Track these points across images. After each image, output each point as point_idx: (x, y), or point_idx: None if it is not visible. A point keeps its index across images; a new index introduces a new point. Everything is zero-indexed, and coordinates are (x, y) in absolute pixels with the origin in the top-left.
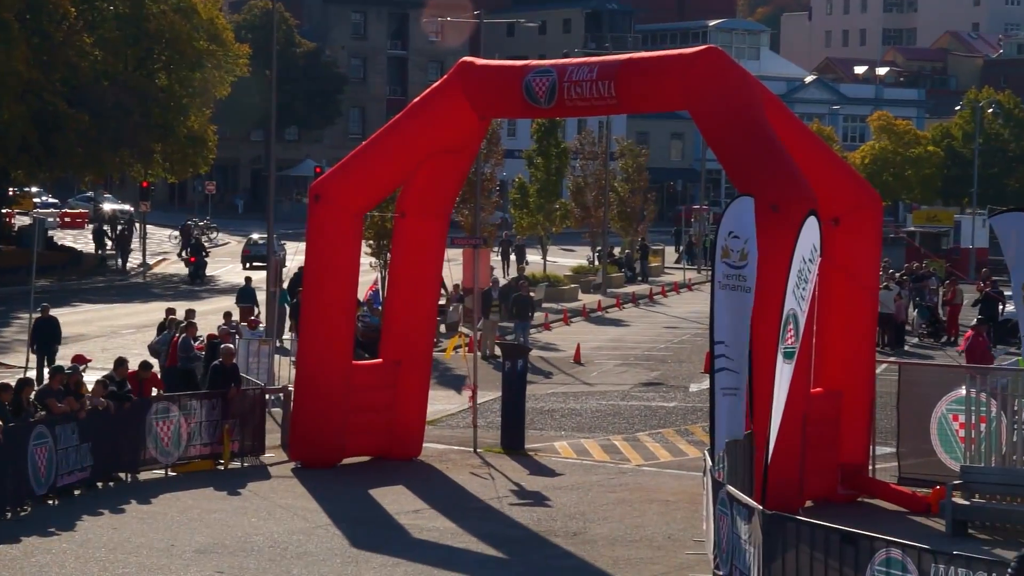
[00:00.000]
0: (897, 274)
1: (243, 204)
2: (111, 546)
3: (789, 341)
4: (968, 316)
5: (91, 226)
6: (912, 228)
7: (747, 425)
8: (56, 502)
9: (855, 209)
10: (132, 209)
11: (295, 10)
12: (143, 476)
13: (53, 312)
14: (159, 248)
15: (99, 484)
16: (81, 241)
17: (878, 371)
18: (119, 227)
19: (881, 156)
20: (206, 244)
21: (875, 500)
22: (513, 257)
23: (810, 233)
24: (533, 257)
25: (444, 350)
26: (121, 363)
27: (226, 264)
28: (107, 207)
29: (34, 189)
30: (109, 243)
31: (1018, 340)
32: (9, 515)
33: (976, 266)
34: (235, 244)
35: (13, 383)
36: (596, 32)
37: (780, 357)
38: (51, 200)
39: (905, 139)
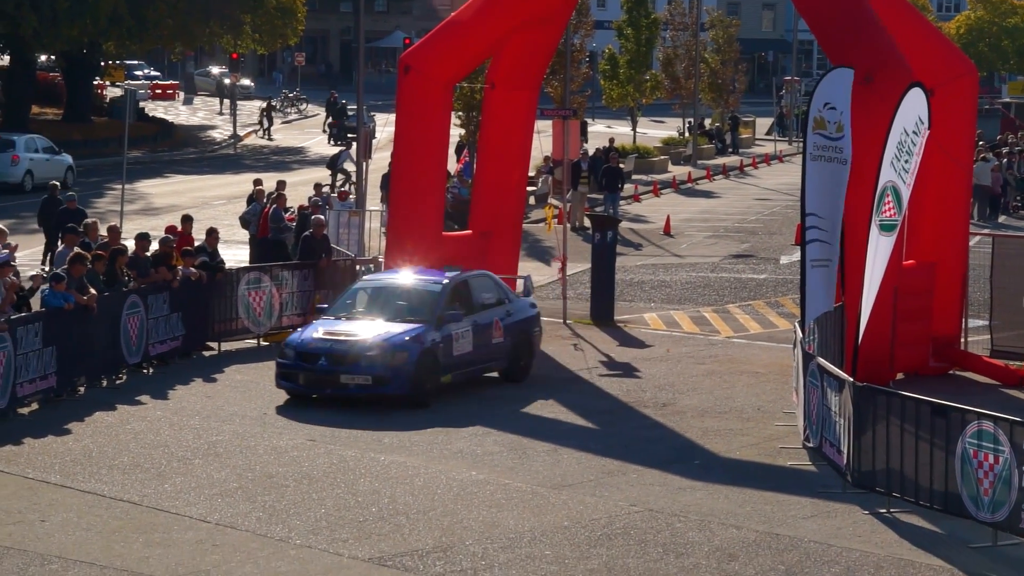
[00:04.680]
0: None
1: (283, 78)
2: (205, 414)
3: (887, 213)
4: None
5: (255, 103)
6: (1007, 99)
7: (838, 297)
8: (150, 371)
9: (950, 80)
10: (253, 84)
11: None
12: (235, 346)
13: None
14: (250, 119)
15: (192, 354)
16: (171, 112)
17: (972, 243)
18: (268, 100)
19: (977, 26)
20: (295, 115)
21: (967, 373)
22: None
23: (915, 105)
24: (622, 129)
25: (535, 221)
26: (212, 233)
27: (315, 136)
28: (225, 80)
29: (135, 62)
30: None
31: None
32: (104, 383)
33: None
34: (323, 115)
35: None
36: None
37: (876, 229)
38: (153, 73)
39: (1001, 8)
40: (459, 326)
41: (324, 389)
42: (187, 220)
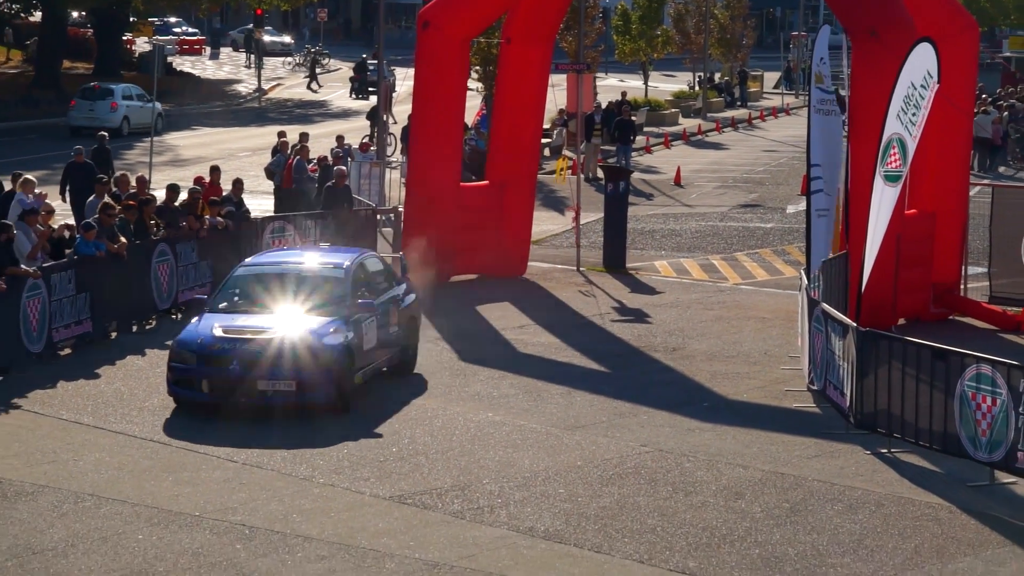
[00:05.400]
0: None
1: (308, 33)
2: None
3: (892, 164)
4: None
5: (293, 59)
6: (1008, 53)
7: (841, 245)
8: (179, 316)
9: (951, 34)
10: (292, 41)
11: None
12: None
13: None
14: (273, 74)
15: None
16: (198, 67)
17: (972, 193)
18: (312, 54)
19: None
20: (318, 71)
21: (966, 318)
22: None
23: (924, 60)
24: (635, 83)
25: (550, 172)
26: (237, 183)
27: (337, 89)
28: (266, 39)
29: (173, 19)
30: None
31: None
32: (135, 328)
33: None
34: (346, 70)
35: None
36: None
37: (880, 179)
38: (191, 30)
39: None
40: (367, 316)
41: (237, 398)
42: (215, 171)
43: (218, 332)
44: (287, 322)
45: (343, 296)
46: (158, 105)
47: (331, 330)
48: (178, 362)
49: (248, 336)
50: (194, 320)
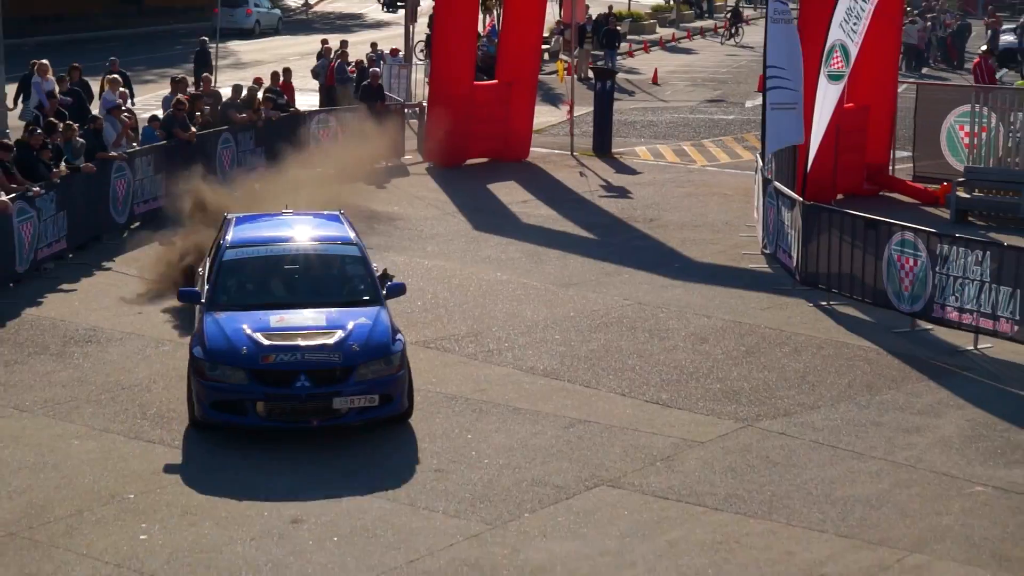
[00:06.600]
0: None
1: None
2: None
3: (835, 66)
4: (974, 45)
5: None
6: None
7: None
8: (239, 195)
9: None
10: None
11: None
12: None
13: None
14: None
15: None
16: None
17: (900, 90)
18: None
19: None
20: None
21: (894, 194)
22: None
23: None
24: None
25: (550, 73)
26: (275, 75)
27: (371, 3)
28: None
29: None
30: None
31: (1017, 64)
32: None
33: (983, 3)
34: None
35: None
36: None
37: (824, 79)
38: None
39: None
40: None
41: (306, 421)
42: (275, 76)
43: (261, 338)
44: (339, 319)
45: (371, 278)
46: (278, 11)
47: (387, 322)
48: (216, 381)
49: (301, 342)
50: (206, 322)
